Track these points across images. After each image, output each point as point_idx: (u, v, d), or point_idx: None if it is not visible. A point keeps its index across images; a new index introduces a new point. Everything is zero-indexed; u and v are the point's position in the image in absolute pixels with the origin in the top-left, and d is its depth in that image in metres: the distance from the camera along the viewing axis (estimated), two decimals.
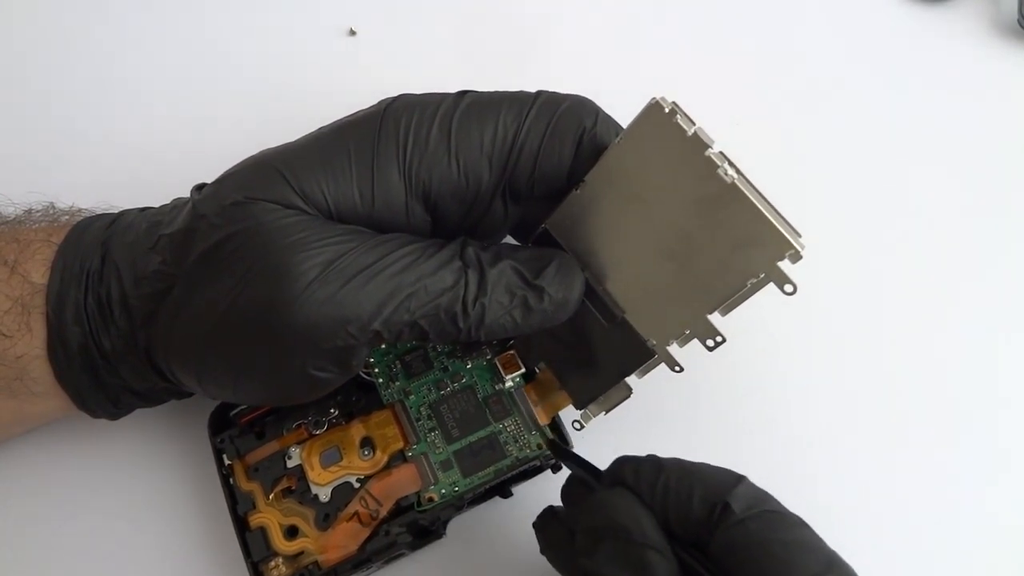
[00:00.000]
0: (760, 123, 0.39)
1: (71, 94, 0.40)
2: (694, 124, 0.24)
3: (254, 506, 0.29)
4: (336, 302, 0.25)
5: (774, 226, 0.23)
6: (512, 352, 0.31)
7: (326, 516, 0.29)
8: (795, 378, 0.34)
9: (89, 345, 0.28)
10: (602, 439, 0.32)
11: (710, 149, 0.24)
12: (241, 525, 0.29)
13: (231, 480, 0.30)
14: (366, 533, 0.29)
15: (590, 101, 0.28)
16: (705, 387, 0.33)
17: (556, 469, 0.31)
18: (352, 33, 0.41)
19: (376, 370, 0.31)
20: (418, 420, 0.30)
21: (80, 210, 0.31)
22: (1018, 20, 0.39)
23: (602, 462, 0.32)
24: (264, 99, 0.40)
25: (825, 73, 0.40)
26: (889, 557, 0.31)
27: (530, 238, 0.29)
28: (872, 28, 0.41)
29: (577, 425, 0.30)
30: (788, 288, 0.24)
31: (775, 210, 0.24)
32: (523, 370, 0.31)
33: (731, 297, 0.25)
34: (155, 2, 0.42)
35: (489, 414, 0.30)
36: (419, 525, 0.29)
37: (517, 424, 0.30)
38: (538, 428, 0.30)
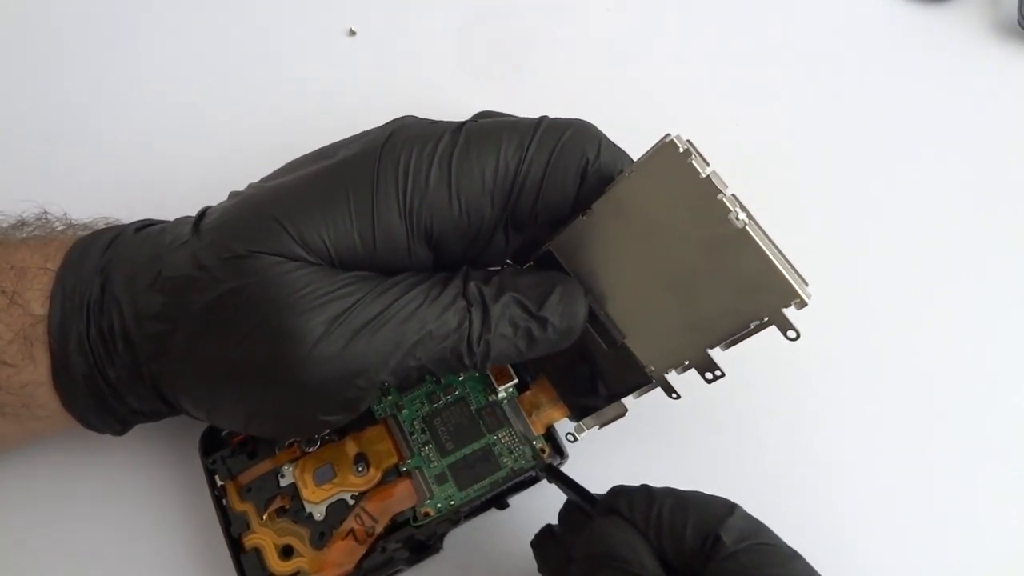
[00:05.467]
0: (759, 123, 0.39)
1: (64, 98, 0.40)
2: (708, 166, 0.24)
3: (248, 527, 0.29)
4: (343, 358, 0.25)
5: (782, 275, 0.23)
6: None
7: (321, 535, 0.29)
8: (793, 397, 0.34)
9: (94, 375, 0.27)
10: (596, 448, 0.32)
11: (722, 193, 0.24)
12: (235, 547, 0.29)
13: (224, 501, 0.30)
14: (363, 550, 0.28)
15: (593, 127, 0.28)
16: (702, 405, 0.33)
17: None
18: (352, 33, 0.41)
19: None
20: (411, 434, 0.30)
21: (72, 223, 0.30)
22: (1018, 20, 0.39)
23: (596, 475, 0.32)
24: (263, 99, 0.39)
25: (824, 73, 0.40)
26: None
27: (532, 256, 0.29)
28: (872, 28, 0.41)
29: (571, 437, 0.30)
30: (791, 334, 0.24)
31: (784, 257, 0.24)
32: (516, 380, 0.31)
33: (732, 336, 0.25)
34: (154, 3, 0.42)
35: (483, 426, 0.30)
36: (416, 540, 0.29)
37: (511, 435, 0.30)
38: (530, 441, 0.30)
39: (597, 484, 0.32)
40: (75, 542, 0.31)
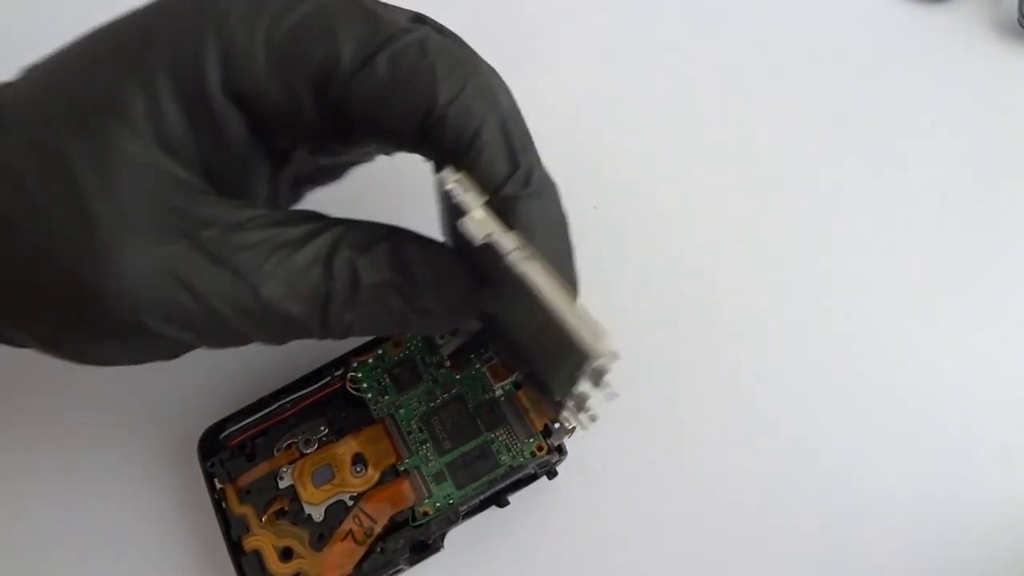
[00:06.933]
0: (759, 123, 0.38)
1: None
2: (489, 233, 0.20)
3: (248, 529, 0.29)
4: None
5: (576, 332, 0.20)
6: (502, 360, 0.31)
7: (320, 536, 0.29)
8: (791, 370, 0.34)
9: None
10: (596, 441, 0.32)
11: (489, 235, 0.20)
12: (236, 550, 0.29)
13: (223, 504, 0.30)
14: (362, 551, 0.28)
15: (476, 67, 0.23)
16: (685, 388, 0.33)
17: (552, 476, 0.31)
18: None
19: (364, 385, 0.31)
20: (409, 433, 0.30)
21: None
22: (1018, 20, 0.39)
23: (599, 465, 0.32)
24: None
25: (823, 72, 0.39)
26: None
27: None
28: (871, 28, 0.40)
29: (552, 442, 0.29)
30: (606, 395, 0.22)
31: (578, 313, 0.20)
32: (513, 377, 0.30)
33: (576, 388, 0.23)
34: None
35: (481, 424, 0.30)
36: (416, 540, 0.29)
37: (510, 432, 0.30)
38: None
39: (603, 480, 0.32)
40: (72, 548, 0.31)
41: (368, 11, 0.22)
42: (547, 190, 0.23)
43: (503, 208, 0.21)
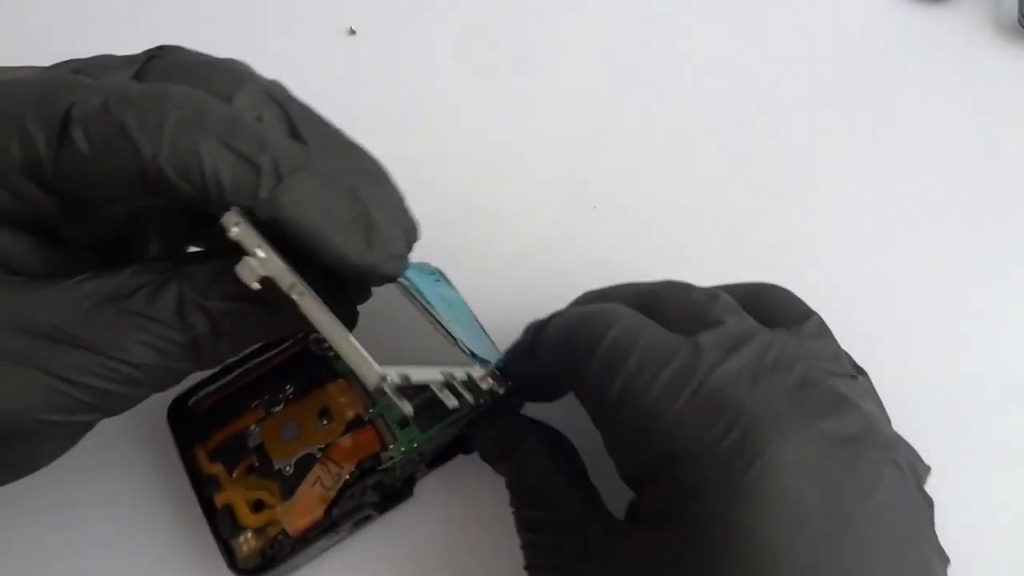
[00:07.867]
0: (757, 123, 0.39)
1: None
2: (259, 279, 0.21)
3: (219, 487, 0.30)
4: None
5: (352, 363, 0.21)
6: None
7: (291, 488, 0.29)
8: None
9: None
10: None
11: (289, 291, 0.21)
12: (208, 507, 0.29)
13: (194, 466, 0.30)
14: (331, 496, 0.29)
15: (166, 101, 0.21)
16: None
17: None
18: (352, 33, 0.42)
19: (327, 344, 0.32)
20: None
21: None
22: (1018, 20, 0.40)
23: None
24: None
25: (824, 73, 0.40)
26: None
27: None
28: (872, 28, 0.41)
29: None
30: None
31: (352, 345, 0.21)
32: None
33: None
34: (155, 2, 0.43)
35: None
36: (384, 485, 0.30)
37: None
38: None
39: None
40: (51, 528, 0.31)
41: (44, 83, 0.22)
42: (315, 162, 0.22)
43: (270, 214, 0.21)
